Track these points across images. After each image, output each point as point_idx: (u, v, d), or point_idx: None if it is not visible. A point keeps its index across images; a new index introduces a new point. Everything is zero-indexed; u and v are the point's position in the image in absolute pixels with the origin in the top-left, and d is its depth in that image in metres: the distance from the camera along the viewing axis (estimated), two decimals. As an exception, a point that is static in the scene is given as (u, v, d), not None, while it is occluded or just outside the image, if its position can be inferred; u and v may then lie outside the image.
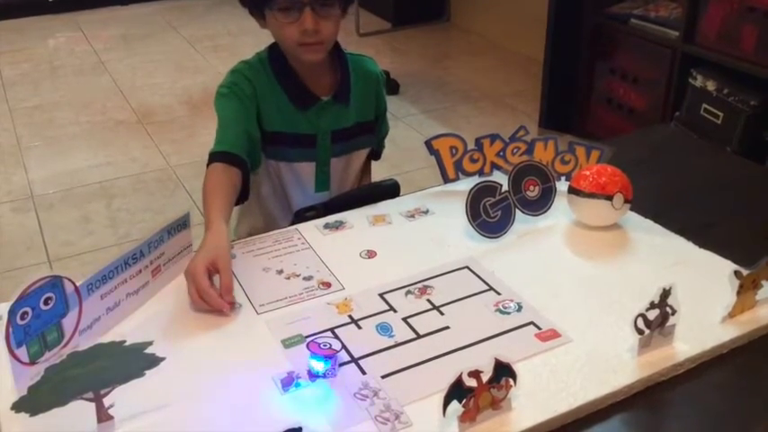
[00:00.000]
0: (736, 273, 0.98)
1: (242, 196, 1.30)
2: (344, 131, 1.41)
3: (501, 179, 1.24)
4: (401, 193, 1.40)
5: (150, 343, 0.84)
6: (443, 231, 1.22)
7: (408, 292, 1.07)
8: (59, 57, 4.28)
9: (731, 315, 0.99)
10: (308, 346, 0.91)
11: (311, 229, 1.24)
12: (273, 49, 1.38)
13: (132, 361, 0.83)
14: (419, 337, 0.98)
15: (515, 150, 1.33)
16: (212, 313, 1.03)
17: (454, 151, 1.33)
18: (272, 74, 1.36)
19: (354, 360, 0.94)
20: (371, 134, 1.48)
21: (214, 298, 1.02)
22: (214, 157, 1.27)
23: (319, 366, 0.90)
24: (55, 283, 0.89)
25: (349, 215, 1.28)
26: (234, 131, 1.31)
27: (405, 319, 1.01)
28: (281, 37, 1.32)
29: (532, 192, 1.23)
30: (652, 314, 0.92)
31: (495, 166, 1.34)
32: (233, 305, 1.04)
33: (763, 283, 1.01)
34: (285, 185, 1.43)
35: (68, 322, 0.92)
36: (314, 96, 1.37)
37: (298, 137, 1.38)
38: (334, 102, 1.38)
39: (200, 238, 1.12)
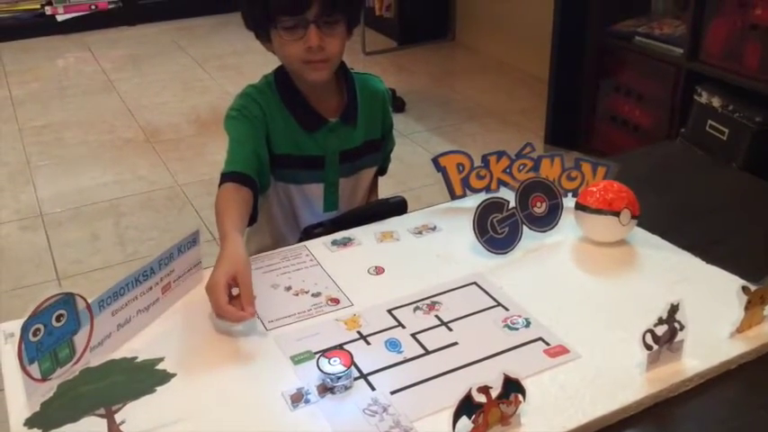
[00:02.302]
0: (744, 288, 0.98)
1: (251, 218, 1.30)
2: (353, 151, 1.41)
3: (508, 196, 1.25)
4: (408, 210, 1.41)
5: (161, 359, 0.85)
6: (451, 247, 1.23)
7: (416, 308, 1.08)
8: (68, 76, 4.32)
9: (739, 330, 1.00)
10: (319, 366, 0.92)
11: (319, 246, 1.25)
12: (279, 72, 1.38)
13: (144, 377, 0.84)
14: (428, 352, 0.99)
15: (522, 167, 1.34)
16: (223, 329, 1.03)
17: (461, 168, 1.33)
18: (279, 97, 1.36)
19: (363, 376, 0.94)
20: (379, 152, 1.48)
21: (232, 314, 1.02)
22: (225, 177, 1.27)
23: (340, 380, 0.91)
24: (67, 299, 0.90)
25: (356, 232, 1.29)
26: (244, 152, 1.31)
27: (413, 335, 1.02)
28: (286, 57, 1.32)
29: (539, 208, 1.24)
30: (660, 330, 0.92)
31: (501, 183, 1.35)
32: (253, 315, 1.03)
33: (771, 298, 1.01)
34: (294, 206, 1.43)
35: (80, 339, 0.93)
36: (321, 118, 1.37)
37: (306, 159, 1.38)
38: (341, 123, 1.38)
39: (209, 255, 1.12)
